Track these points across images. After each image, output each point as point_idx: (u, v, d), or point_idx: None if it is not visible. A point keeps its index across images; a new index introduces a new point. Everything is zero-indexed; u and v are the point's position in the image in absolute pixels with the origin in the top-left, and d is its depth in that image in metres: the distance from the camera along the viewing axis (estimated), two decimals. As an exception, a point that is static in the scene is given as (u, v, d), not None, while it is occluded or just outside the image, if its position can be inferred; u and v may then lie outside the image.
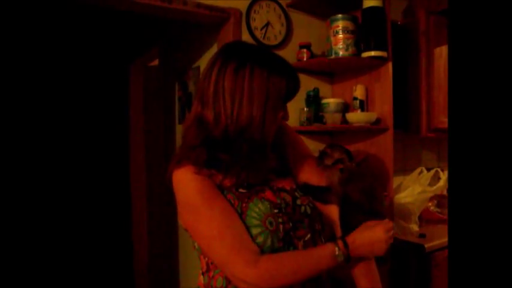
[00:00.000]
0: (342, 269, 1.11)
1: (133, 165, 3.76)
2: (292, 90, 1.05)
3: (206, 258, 1.09)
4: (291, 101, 1.07)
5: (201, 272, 1.12)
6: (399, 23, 2.57)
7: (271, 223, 1.00)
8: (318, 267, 1.01)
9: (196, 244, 1.09)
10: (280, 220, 1.02)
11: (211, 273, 1.07)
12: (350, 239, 1.04)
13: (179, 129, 2.87)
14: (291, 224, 1.04)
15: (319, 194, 1.14)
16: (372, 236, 1.05)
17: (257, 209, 1.01)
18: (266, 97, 0.98)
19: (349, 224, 1.09)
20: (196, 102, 1.06)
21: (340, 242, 1.02)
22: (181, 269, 3.00)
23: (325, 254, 1.01)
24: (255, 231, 0.99)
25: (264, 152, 1.04)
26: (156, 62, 3.48)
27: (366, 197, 1.12)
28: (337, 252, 1.00)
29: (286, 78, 1.01)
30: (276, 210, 1.03)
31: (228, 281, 1.03)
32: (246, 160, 1.01)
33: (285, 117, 1.08)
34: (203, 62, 2.50)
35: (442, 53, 2.50)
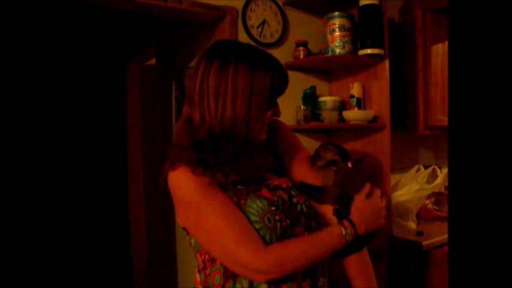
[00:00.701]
0: (340, 259, 1.12)
1: (130, 164, 3.76)
2: (279, 85, 1.02)
3: (202, 256, 1.08)
4: (280, 96, 1.06)
5: (197, 269, 1.12)
6: (396, 20, 2.57)
7: (269, 220, 1.00)
8: (325, 250, 1.01)
9: (193, 241, 1.09)
10: (277, 217, 1.02)
11: (208, 271, 1.07)
12: (354, 217, 1.05)
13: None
14: (288, 222, 1.04)
15: (314, 193, 1.14)
16: (372, 207, 1.08)
17: (255, 206, 1.01)
18: (250, 94, 0.97)
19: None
20: (185, 103, 1.05)
21: (346, 222, 1.04)
22: (179, 267, 2.99)
23: (332, 235, 1.02)
24: (254, 226, 0.99)
25: (250, 151, 1.03)
26: (152, 61, 3.47)
27: None
28: (344, 232, 1.02)
29: (271, 73, 0.99)
30: (273, 208, 1.03)
31: (225, 278, 1.03)
32: (232, 160, 1.00)
33: (276, 113, 1.07)
34: (200, 61, 2.49)
35: (438, 51, 2.50)
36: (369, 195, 1.10)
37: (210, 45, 1.09)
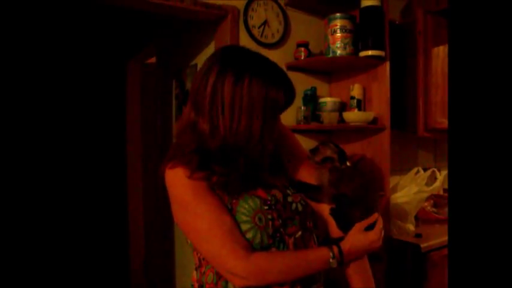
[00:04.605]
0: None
1: (130, 162, 3.76)
2: (289, 101, 1.04)
3: (198, 254, 1.10)
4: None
5: (194, 267, 1.13)
6: (397, 22, 2.57)
7: (260, 219, 1.01)
8: (309, 270, 1.03)
9: (189, 240, 1.09)
10: (269, 217, 1.02)
11: (203, 269, 1.08)
12: (345, 245, 1.06)
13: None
14: (280, 221, 1.04)
15: (311, 192, 1.14)
16: (366, 239, 1.08)
17: (247, 206, 1.01)
18: (264, 109, 0.98)
19: (347, 221, 1.09)
20: (189, 106, 1.05)
21: (335, 249, 1.04)
22: (177, 265, 2.99)
23: (319, 258, 1.03)
24: (244, 227, 1.00)
25: (261, 165, 1.04)
26: (153, 60, 3.47)
27: (359, 197, 1.13)
28: (331, 259, 1.03)
29: (284, 89, 1.01)
30: (265, 207, 1.03)
31: (218, 276, 1.03)
32: (242, 173, 1.01)
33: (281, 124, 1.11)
34: (200, 60, 2.50)
35: (439, 53, 2.50)
36: (371, 227, 1.10)
37: (220, 52, 1.08)
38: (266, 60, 1.05)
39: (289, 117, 2.24)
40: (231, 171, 1.01)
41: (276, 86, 0.99)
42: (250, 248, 0.99)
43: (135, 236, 3.76)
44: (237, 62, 1.01)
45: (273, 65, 1.05)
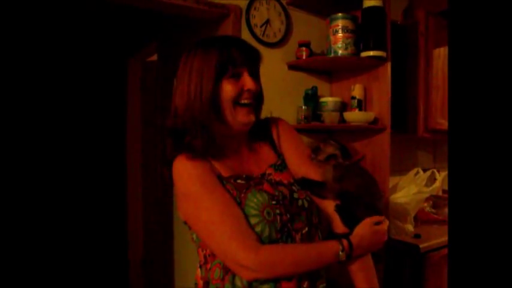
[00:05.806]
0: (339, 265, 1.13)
1: (130, 160, 3.76)
2: (234, 56, 1.04)
3: (204, 251, 1.10)
4: (246, 67, 1.07)
5: (198, 265, 1.13)
6: (399, 23, 2.57)
7: (269, 213, 1.01)
8: (318, 263, 1.03)
9: (194, 236, 1.10)
10: (277, 211, 1.03)
11: (209, 265, 1.08)
12: (355, 238, 1.06)
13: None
14: (288, 216, 1.04)
15: (315, 189, 1.14)
16: (374, 234, 1.09)
17: (255, 200, 1.02)
18: (201, 70, 1.03)
19: (352, 217, 1.10)
20: None
21: (345, 242, 1.04)
22: (177, 264, 3.00)
23: (328, 250, 1.03)
24: (253, 220, 1.00)
25: (207, 124, 1.05)
26: (154, 57, 3.47)
27: (363, 193, 1.13)
28: (340, 252, 1.03)
29: (219, 47, 1.04)
30: (273, 202, 1.03)
31: (225, 271, 1.03)
32: (200, 135, 1.05)
33: (246, 85, 1.07)
34: (202, 58, 2.49)
35: (440, 54, 2.50)
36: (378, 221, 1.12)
37: None
38: (223, 35, 1.16)
39: (290, 116, 2.25)
40: (192, 136, 1.05)
41: (213, 47, 1.04)
42: (260, 240, 0.99)
43: (134, 235, 3.77)
44: (194, 43, 1.09)
45: (222, 35, 1.15)
